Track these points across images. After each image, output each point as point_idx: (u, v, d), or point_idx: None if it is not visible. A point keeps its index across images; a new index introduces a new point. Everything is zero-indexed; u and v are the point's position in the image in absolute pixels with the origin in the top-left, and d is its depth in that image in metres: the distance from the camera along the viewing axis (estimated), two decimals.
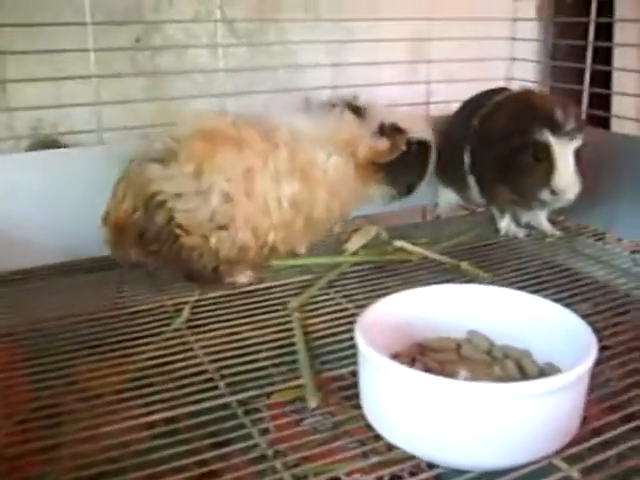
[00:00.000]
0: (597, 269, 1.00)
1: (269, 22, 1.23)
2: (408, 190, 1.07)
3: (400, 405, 0.55)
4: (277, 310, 0.86)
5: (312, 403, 0.66)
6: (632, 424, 0.62)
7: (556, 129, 0.97)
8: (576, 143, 0.98)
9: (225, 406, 0.66)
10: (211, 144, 0.87)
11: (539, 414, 0.52)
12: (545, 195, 1.00)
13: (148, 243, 0.88)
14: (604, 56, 1.32)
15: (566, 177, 0.98)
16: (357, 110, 1.01)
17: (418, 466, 0.58)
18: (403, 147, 1.01)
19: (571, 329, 0.62)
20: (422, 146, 1.05)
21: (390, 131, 1.01)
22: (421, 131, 1.05)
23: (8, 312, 0.85)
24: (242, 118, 0.93)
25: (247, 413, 0.65)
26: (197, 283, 0.91)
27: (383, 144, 1.00)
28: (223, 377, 0.71)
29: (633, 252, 1.07)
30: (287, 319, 0.83)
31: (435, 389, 0.53)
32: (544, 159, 0.98)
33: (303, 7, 1.24)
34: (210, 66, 1.16)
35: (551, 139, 0.97)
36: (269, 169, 0.90)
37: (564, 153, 0.98)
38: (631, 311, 0.86)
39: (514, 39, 1.41)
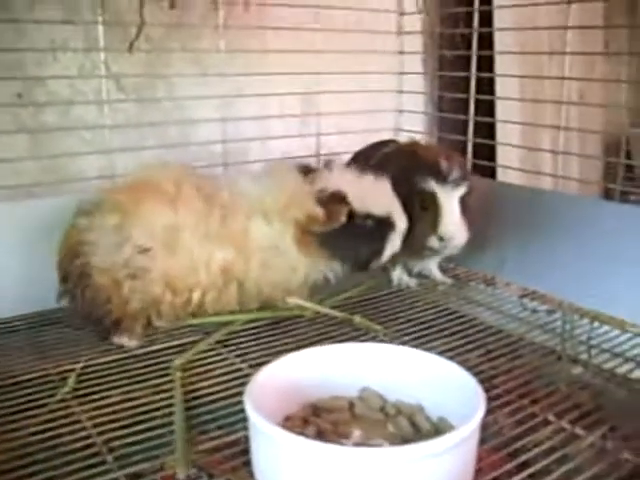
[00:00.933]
0: (488, 315, 1.03)
1: (158, 78, 1.21)
2: (359, 267, 1.00)
3: (291, 473, 0.54)
4: (167, 373, 0.83)
5: (181, 474, 0.63)
6: (528, 471, 0.63)
7: (440, 178, 1.01)
8: (460, 191, 1.02)
9: None
10: (136, 196, 0.89)
11: (429, 475, 0.52)
12: (433, 242, 1.02)
13: (67, 284, 0.90)
14: (487, 108, 1.37)
15: (452, 223, 1.01)
16: (305, 171, 0.97)
17: None
18: (342, 219, 0.93)
19: (460, 383, 0.63)
20: (381, 223, 0.97)
21: (330, 199, 0.93)
22: (383, 206, 0.97)
23: None
24: (193, 174, 0.95)
25: None
26: (94, 330, 0.91)
27: (319, 211, 0.93)
28: (111, 450, 0.67)
29: (521, 296, 1.10)
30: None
31: (324, 456, 0.52)
32: (430, 207, 1.02)
33: (192, 62, 1.24)
34: (97, 122, 1.14)
35: (436, 188, 1.01)
36: (199, 230, 0.90)
37: (449, 201, 1.01)
38: (522, 356, 0.88)
39: (401, 92, 1.45)
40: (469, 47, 1.29)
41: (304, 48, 1.27)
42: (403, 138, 1.27)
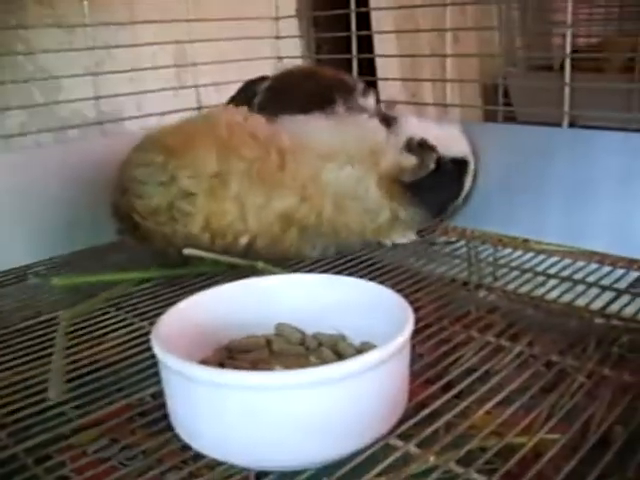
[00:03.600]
0: (392, 254, 0.99)
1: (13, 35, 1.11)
2: (439, 211, 1.02)
3: (213, 412, 0.48)
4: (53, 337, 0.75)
5: (51, 394, 0.60)
6: (451, 393, 0.61)
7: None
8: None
9: (12, 458, 0.55)
10: (186, 139, 0.88)
11: (364, 394, 0.48)
12: None
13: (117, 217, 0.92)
14: (366, 47, 1.35)
15: None
16: (387, 120, 0.97)
17: (247, 478, 0.52)
18: (432, 166, 0.94)
19: (382, 304, 0.59)
20: (458, 164, 0.99)
21: (418, 147, 0.94)
22: (458, 148, 0.99)
23: None
24: (248, 119, 0.93)
25: (38, 462, 0.55)
26: None
27: (409, 160, 0.94)
28: (3, 426, 0.59)
29: (421, 231, 1.08)
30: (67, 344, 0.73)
31: (245, 386, 0.47)
32: None
33: (50, 17, 1.14)
34: None
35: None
36: (251, 177, 0.87)
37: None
38: (425, 287, 0.86)
39: (278, 37, 1.40)
40: None
41: None
42: None
